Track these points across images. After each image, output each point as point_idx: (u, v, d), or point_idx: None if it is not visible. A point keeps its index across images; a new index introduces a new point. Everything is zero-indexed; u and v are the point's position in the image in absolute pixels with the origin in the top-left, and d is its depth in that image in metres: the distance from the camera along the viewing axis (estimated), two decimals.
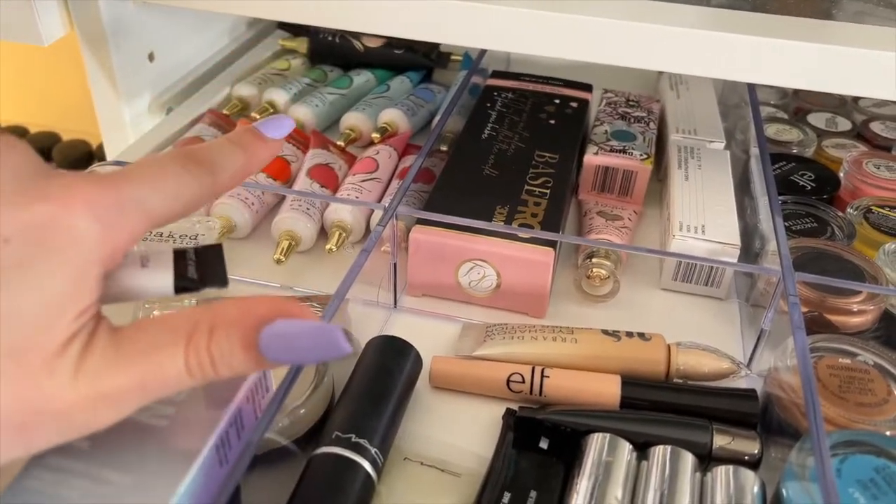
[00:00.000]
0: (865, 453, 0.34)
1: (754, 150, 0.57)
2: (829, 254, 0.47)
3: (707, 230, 0.48)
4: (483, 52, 0.65)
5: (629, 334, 0.42)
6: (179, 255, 0.26)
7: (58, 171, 0.24)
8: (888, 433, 0.36)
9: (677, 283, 0.50)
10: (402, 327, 0.47)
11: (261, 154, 0.28)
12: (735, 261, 0.47)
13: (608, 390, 0.40)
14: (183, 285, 0.26)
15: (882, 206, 0.53)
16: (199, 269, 0.26)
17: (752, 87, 0.61)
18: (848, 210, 0.53)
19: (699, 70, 0.44)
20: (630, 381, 0.40)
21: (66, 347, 0.22)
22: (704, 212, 0.50)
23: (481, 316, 0.47)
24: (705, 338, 0.43)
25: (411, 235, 0.46)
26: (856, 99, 0.70)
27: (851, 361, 0.39)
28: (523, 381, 0.40)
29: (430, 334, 0.45)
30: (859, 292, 0.43)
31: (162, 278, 0.25)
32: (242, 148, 0.27)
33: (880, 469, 0.33)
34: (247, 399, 0.30)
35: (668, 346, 0.42)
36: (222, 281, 0.27)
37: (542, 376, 0.40)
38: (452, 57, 0.73)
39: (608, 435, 0.36)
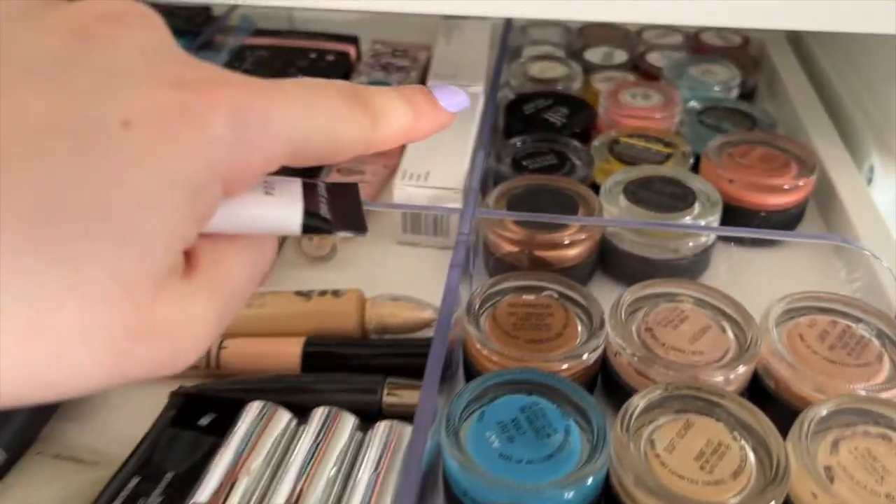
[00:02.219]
0: (516, 392, 0.32)
1: (507, 92, 0.55)
2: (548, 188, 0.45)
3: (430, 177, 0.46)
4: (231, 7, 0.62)
5: (322, 293, 0.40)
6: (310, 189, 0.21)
7: (198, 60, 0.19)
8: (564, 366, 0.34)
9: (409, 236, 0.47)
10: None
11: (428, 122, 0.22)
12: (459, 206, 0.45)
13: (289, 351, 0.37)
14: (314, 225, 0.21)
15: (630, 136, 0.51)
16: (333, 208, 0.21)
17: (507, 26, 0.59)
18: (593, 144, 0.51)
19: (466, 10, 0.41)
20: (314, 342, 0.38)
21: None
22: (435, 158, 0.48)
23: None
24: (431, 288, 0.41)
25: None
26: (639, 32, 0.68)
27: (536, 297, 0.37)
28: None
29: None
30: (569, 225, 0.42)
31: (289, 211, 0.20)
32: (413, 107, 0.22)
33: (526, 407, 0.31)
34: None
35: (363, 301, 0.39)
36: (359, 225, 0.22)
37: (219, 347, 0.37)
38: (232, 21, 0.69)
39: (264, 402, 0.34)
